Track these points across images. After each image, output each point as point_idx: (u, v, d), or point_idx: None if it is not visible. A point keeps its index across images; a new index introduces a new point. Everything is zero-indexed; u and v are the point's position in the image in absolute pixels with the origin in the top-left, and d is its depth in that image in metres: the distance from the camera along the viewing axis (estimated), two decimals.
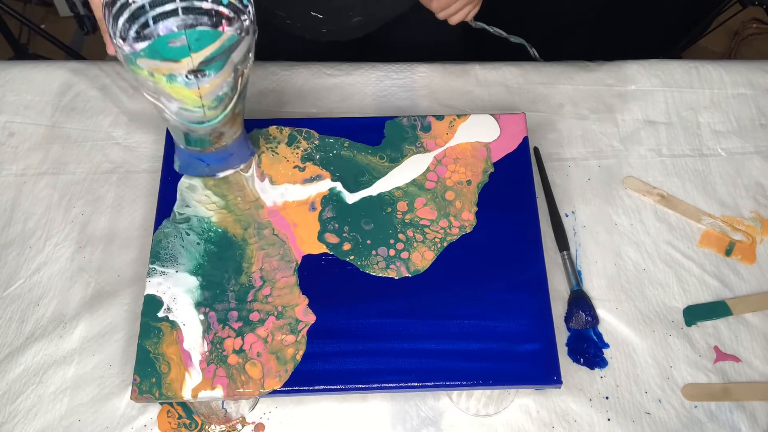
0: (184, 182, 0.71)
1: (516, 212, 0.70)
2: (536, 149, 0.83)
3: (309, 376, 0.62)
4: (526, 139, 0.74)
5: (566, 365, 0.71)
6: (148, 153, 0.83)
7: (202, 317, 0.64)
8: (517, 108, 0.86)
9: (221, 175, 0.68)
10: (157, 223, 0.69)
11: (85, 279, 0.75)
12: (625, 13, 1.09)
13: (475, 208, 0.70)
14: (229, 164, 0.68)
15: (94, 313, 0.73)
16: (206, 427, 0.68)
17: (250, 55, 0.54)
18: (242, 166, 0.69)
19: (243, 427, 0.69)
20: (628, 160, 0.83)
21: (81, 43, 1.72)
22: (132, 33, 0.48)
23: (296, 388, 0.62)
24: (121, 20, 0.48)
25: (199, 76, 0.50)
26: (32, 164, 0.82)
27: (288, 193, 0.71)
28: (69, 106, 0.86)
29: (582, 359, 0.71)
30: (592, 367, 0.71)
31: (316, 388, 0.62)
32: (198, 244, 0.68)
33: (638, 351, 0.72)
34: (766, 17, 1.62)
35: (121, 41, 0.49)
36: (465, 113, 0.75)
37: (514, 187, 0.71)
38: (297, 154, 0.73)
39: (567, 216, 0.79)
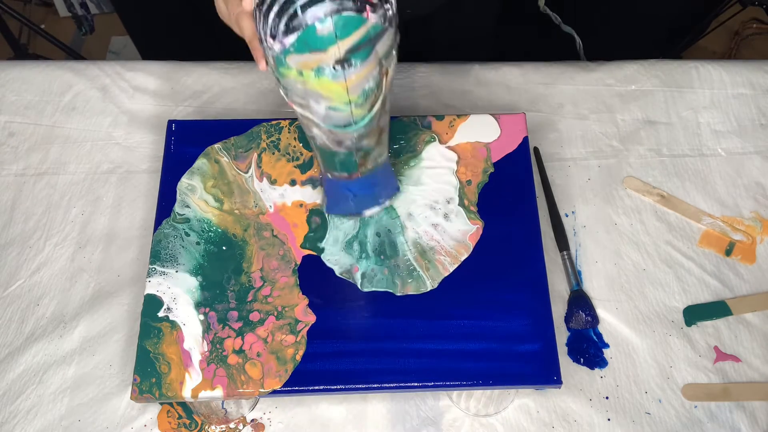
0: (183, 182, 0.71)
1: (516, 212, 0.70)
2: (536, 149, 0.83)
3: (309, 376, 0.62)
4: (526, 139, 0.74)
5: (566, 365, 0.71)
6: (148, 153, 0.83)
7: (202, 317, 0.64)
8: (517, 108, 0.86)
9: (368, 213, 0.68)
10: (157, 223, 0.69)
11: (85, 279, 0.75)
12: (624, 13, 1.09)
13: (475, 208, 0.70)
14: (375, 196, 0.67)
15: (94, 313, 0.73)
16: (206, 427, 0.68)
17: (394, 52, 0.54)
18: (387, 203, 0.68)
19: (243, 427, 0.69)
20: (628, 160, 0.83)
21: (81, 43, 1.72)
22: (282, 27, 0.49)
23: (296, 388, 0.62)
24: (271, 15, 0.50)
25: (345, 66, 0.51)
26: (32, 164, 0.82)
27: (288, 194, 0.71)
28: (69, 106, 0.86)
29: (582, 359, 0.71)
30: (592, 367, 0.71)
31: (316, 388, 0.62)
32: (198, 244, 0.68)
33: (638, 351, 0.72)
34: (766, 17, 1.62)
35: (271, 40, 0.50)
36: (465, 113, 0.75)
37: (514, 187, 0.71)
38: (297, 151, 0.73)
39: (567, 216, 0.79)
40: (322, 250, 0.67)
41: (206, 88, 0.87)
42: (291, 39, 0.49)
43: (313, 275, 0.67)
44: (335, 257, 0.67)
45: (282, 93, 0.56)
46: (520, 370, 0.63)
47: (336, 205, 0.68)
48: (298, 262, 0.67)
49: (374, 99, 0.55)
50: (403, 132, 0.74)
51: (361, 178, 0.64)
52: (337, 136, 0.57)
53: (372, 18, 0.49)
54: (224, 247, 0.68)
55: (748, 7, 1.31)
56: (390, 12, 0.51)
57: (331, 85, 0.52)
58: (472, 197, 0.71)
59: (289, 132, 0.74)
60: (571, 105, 0.87)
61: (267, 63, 0.54)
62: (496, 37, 0.98)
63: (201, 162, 0.72)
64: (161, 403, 0.69)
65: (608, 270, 0.76)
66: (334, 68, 0.50)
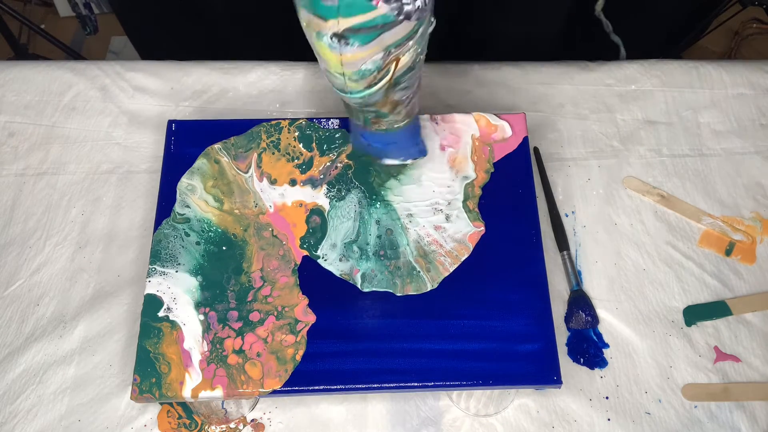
0: (183, 182, 0.71)
1: (516, 212, 0.70)
2: (536, 149, 0.83)
3: (309, 376, 0.62)
4: (526, 139, 0.74)
5: (566, 365, 0.71)
6: (148, 153, 0.83)
7: (202, 317, 0.64)
8: (517, 108, 0.86)
9: (387, 161, 0.68)
10: (157, 223, 0.69)
11: (85, 279, 0.75)
12: (624, 13, 1.09)
13: (477, 209, 0.70)
14: (393, 153, 0.68)
15: (94, 313, 0.73)
16: (206, 427, 0.68)
17: (410, 43, 0.53)
18: (408, 161, 0.69)
19: (243, 427, 0.69)
20: (628, 160, 0.83)
21: (81, 43, 1.72)
22: None
23: (296, 388, 0.62)
24: None
25: (342, 42, 0.51)
26: (32, 164, 0.82)
27: (287, 194, 0.71)
28: (69, 106, 0.86)
29: (582, 359, 0.71)
30: (592, 367, 0.71)
31: (316, 388, 0.62)
32: (198, 244, 0.68)
33: (638, 351, 0.72)
34: (766, 17, 1.62)
35: None
36: (465, 113, 0.75)
37: (514, 187, 0.71)
38: (298, 152, 0.73)
39: (567, 216, 0.79)
40: (318, 257, 0.67)
41: (206, 88, 0.87)
42: None
43: (313, 275, 0.67)
44: (333, 265, 0.67)
45: None
46: (520, 370, 0.63)
47: (356, 141, 0.69)
48: (298, 262, 0.67)
49: (373, 79, 0.55)
50: None
51: (376, 133, 0.64)
52: (341, 96, 0.58)
53: (383, 8, 0.49)
54: (224, 247, 0.68)
55: (748, 7, 1.30)
56: (409, 6, 0.50)
57: (326, 52, 0.52)
58: (474, 197, 0.71)
59: (289, 132, 0.74)
60: (571, 105, 0.87)
61: None
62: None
63: (201, 162, 0.72)
64: (161, 403, 0.69)
65: (608, 270, 0.76)
66: (331, 39, 0.51)
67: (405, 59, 0.54)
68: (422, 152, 0.70)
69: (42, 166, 0.82)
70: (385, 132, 0.64)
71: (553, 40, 1.00)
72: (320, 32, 0.51)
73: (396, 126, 0.63)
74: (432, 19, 0.54)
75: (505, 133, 0.73)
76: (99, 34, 1.61)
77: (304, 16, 0.51)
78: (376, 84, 0.55)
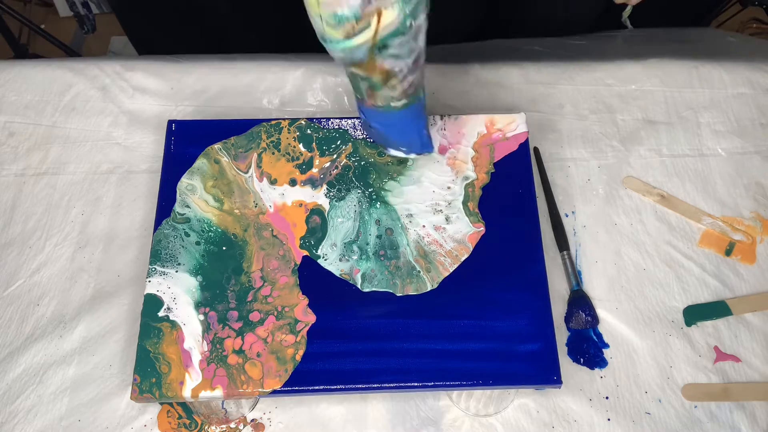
0: (183, 182, 0.71)
1: (516, 212, 0.70)
2: (536, 149, 0.83)
3: (309, 376, 0.62)
4: (526, 140, 0.74)
5: (566, 365, 0.71)
6: (148, 153, 0.83)
7: (202, 317, 0.64)
8: (517, 108, 0.86)
9: (391, 152, 0.69)
10: (157, 223, 0.69)
11: (85, 279, 0.75)
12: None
13: (477, 210, 0.70)
14: (392, 140, 0.68)
15: (94, 313, 0.73)
16: (206, 427, 0.68)
17: (396, 4, 0.53)
18: (412, 156, 0.70)
19: (243, 427, 0.69)
20: (628, 160, 0.83)
21: (81, 43, 1.72)
22: None
23: (296, 388, 0.62)
24: None
25: None
26: (32, 164, 0.82)
27: (288, 194, 0.71)
28: (69, 106, 0.86)
29: (582, 359, 0.71)
30: (592, 367, 0.71)
31: (316, 388, 0.62)
32: (198, 244, 0.68)
33: (638, 351, 0.72)
34: (766, 17, 1.62)
35: None
36: (465, 113, 0.75)
37: (514, 187, 0.71)
38: (298, 151, 0.73)
39: (567, 216, 0.79)
40: (318, 257, 0.67)
41: (206, 88, 0.87)
42: None
43: (313, 275, 0.67)
44: (333, 265, 0.67)
45: None
46: (520, 370, 0.63)
47: (363, 123, 0.69)
48: (298, 262, 0.67)
49: (351, 29, 0.54)
50: None
51: (375, 111, 0.64)
52: (325, 47, 0.57)
53: None
54: (224, 247, 0.68)
55: (748, 7, 1.31)
56: None
57: None
58: (475, 198, 0.71)
59: (289, 132, 0.74)
60: (571, 105, 0.87)
61: None
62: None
63: (201, 162, 0.72)
64: (161, 403, 0.69)
65: (608, 270, 0.76)
66: None
67: (388, 16, 0.53)
68: (426, 146, 0.69)
69: (42, 166, 0.82)
70: (384, 111, 0.63)
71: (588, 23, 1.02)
72: None
73: (393, 105, 0.62)
74: None
75: (518, 125, 0.73)
76: (99, 33, 1.61)
77: None
78: (355, 35, 0.54)
